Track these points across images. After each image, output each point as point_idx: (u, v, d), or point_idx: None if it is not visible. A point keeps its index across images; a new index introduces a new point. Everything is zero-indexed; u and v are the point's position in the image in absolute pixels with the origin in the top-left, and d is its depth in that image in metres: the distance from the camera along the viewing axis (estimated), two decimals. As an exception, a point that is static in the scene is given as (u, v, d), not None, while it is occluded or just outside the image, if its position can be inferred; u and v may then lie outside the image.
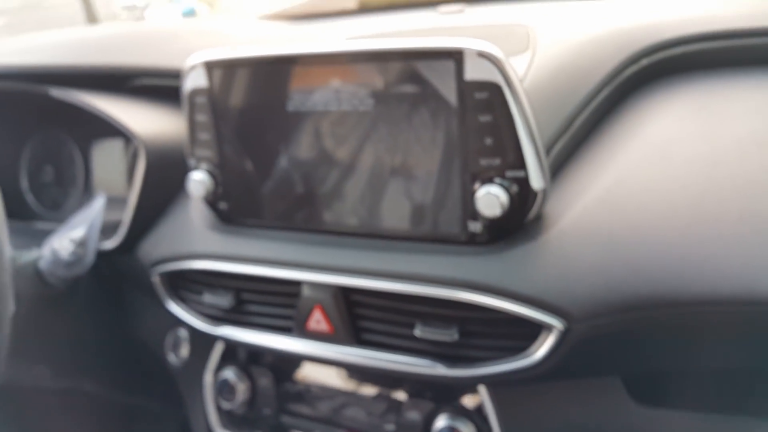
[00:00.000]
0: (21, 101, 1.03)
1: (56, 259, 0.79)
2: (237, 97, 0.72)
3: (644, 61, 0.77)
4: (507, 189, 0.60)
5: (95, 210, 0.80)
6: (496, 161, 0.60)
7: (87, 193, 1.09)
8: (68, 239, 0.78)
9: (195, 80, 0.73)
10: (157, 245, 0.84)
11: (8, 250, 0.59)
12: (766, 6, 0.83)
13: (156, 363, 0.95)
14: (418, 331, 0.66)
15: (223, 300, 0.77)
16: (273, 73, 0.69)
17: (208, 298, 0.78)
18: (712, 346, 0.63)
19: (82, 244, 0.78)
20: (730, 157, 0.64)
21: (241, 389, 0.82)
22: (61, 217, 0.87)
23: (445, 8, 1.07)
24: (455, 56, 0.59)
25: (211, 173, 0.75)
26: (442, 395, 0.73)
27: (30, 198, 1.12)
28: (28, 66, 0.94)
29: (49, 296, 0.85)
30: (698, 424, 0.68)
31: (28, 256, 0.83)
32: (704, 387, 0.69)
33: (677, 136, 0.69)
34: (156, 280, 0.82)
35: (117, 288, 0.98)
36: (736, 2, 0.85)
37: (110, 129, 1.06)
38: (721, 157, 0.64)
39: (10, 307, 0.60)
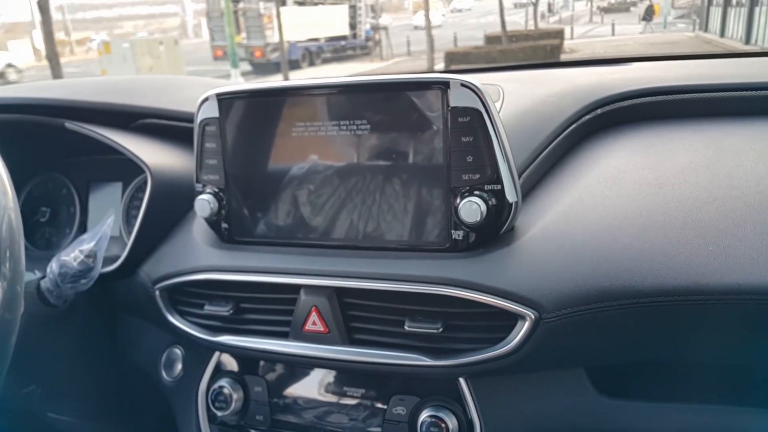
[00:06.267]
0: (30, 139, 1.10)
1: (64, 272, 0.83)
2: (243, 126, 0.80)
3: (599, 111, 0.91)
4: (486, 200, 0.69)
5: (105, 225, 0.85)
6: (476, 176, 0.70)
7: (81, 234, 1.14)
8: (78, 250, 0.83)
9: (207, 111, 0.81)
10: (159, 265, 0.89)
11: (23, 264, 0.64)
12: (696, 71, 0.99)
13: (147, 385, 0.97)
14: (406, 326, 0.73)
15: (223, 309, 0.82)
16: (277, 104, 0.78)
17: (209, 308, 0.83)
18: (664, 339, 0.71)
19: (91, 255, 0.83)
20: (673, 180, 0.76)
21: (235, 398, 0.85)
22: (51, 256, 0.91)
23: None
24: (442, 86, 0.70)
25: (216, 195, 0.82)
26: (427, 390, 0.79)
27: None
28: (46, 99, 1.02)
29: (47, 316, 0.87)
30: (658, 414, 0.75)
31: (32, 276, 0.87)
32: (660, 378, 0.77)
33: (628, 167, 0.81)
34: (157, 294, 0.87)
35: (111, 314, 1.02)
36: (675, 68, 1.01)
37: (108, 173, 1.13)
38: (666, 181, 0.76)
39: (20, 309, 0.65)
